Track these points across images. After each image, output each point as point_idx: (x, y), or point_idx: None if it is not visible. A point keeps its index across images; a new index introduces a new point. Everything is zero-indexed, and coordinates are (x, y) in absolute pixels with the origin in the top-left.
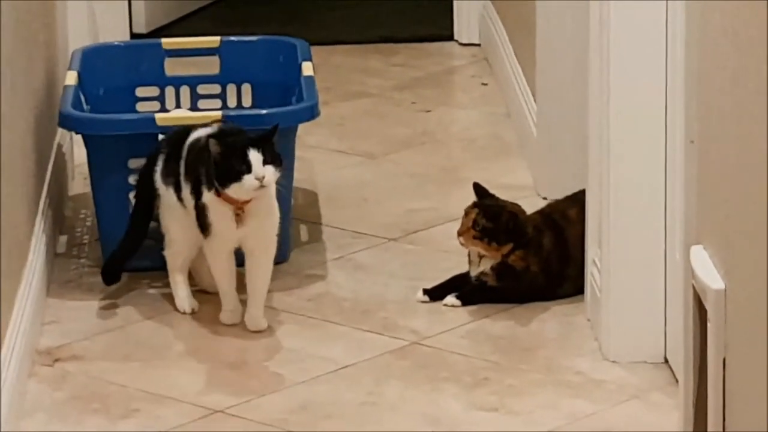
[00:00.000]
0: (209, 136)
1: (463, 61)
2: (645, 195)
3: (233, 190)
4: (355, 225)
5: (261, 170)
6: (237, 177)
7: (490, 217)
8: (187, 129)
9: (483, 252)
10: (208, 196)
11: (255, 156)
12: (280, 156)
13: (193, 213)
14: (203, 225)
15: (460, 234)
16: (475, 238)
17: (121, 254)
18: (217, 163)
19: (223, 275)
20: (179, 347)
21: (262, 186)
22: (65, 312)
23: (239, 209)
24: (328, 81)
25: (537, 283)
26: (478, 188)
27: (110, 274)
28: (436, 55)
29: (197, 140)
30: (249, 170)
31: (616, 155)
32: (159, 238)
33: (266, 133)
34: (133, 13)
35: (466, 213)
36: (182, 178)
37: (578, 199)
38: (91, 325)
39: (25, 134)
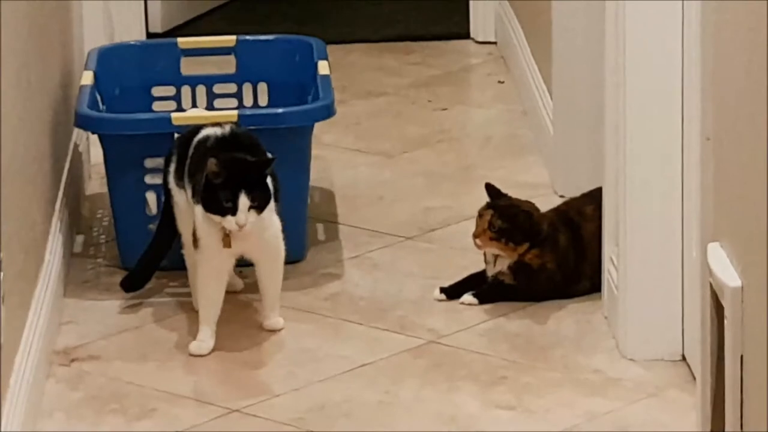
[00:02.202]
0: (211, 154)
1: (480, 59)
2: (661, 192)
3: (210, 221)
4: (372, 224)
5: (243, 218)
6: (220, 212)
7: (506, 218)
8: (199, 128)
9: (500, 252)
10: (198, 209)
11: (243, 201)
12: (269, 192)
13: None
14: (193, 236)
15: (476, 236)
16: (491, 239)
17: (147, 264)
18: (207, 187)
19: (205, 297)
20: None
21: (240, 231)
22: (82, 312)
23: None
24: (344, 80)
25: (554, 281)
26: (490, 188)
27: (132, 283)
28: (452, 54)
29: (204, 140)
30: (233, 212)
31: (632, 153)
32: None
33: (262, 164)
34: (149, 12)
35: (480, 215)
36: (185, 178)
37: (594, 197)
38: (108, 325)
39: (41, 134)
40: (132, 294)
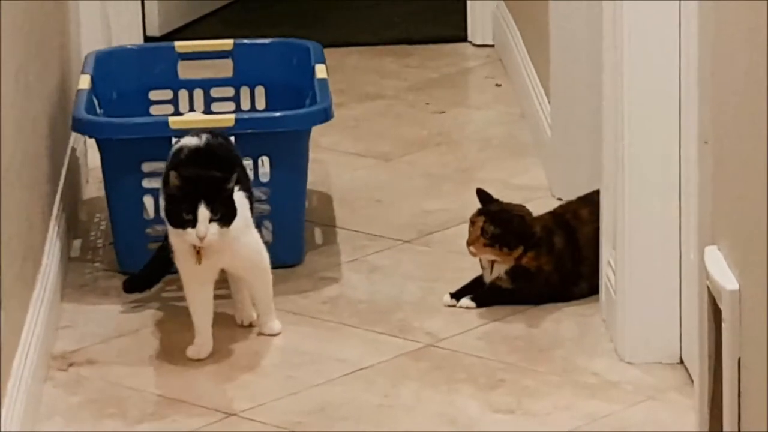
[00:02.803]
0: (180, 166)
1: (477, 62)
2: (659, 196)
3: (177, 233)
4: (370, 227)
5: (203, 230)
6: (181, 225)
7: (498, 223)
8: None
9: (495, 258)
10: (170, 227)
11: (203, 213)
12: (234, 206)
13: None
14: (169, 247)
15: (470, 244)
16: (485, 245)
17: (153, 269)
18: (168, 200)
19: (193, 304)
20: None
21: (202, 244)
22: (80, 316)
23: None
24: (342, 83)
25: (551, 283)
26: (482, 194)
27: (134, 285)
28: (450, 57)
29: (179, 151)
30: (193, 224)
31: (630, 156)
32: None
33: (222, 179)
34: (147, 16)
35: (473, 222)
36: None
37: (591, 200)
38: (106, 329)
39: (39, 138)
40: (129, 297)
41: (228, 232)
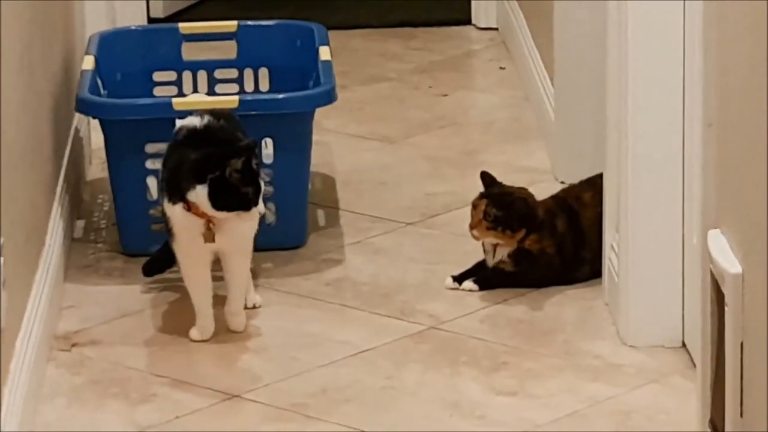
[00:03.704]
0: (228, 155)
1: (481, 45)
2: (663, 179)
3: (221, 214)
4: (374, 209)
5: (262, 207)
6: (243, 206)
7: (500, 206)
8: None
9: (498, 241)
10: (174, 209)
11: (263, 188)
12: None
13: None
14: (168, 231)
15: (472, 227)
16: (488, 229)
17: (170, 250)
18: (224, 185)
19: (194, 286)
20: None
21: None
22: (83, 297)
23: (210, 222)
24: (346, 65)
25: (553, 265)
26: (485, 177)
27: (152, 268)
28: (454, 39)
29: (179, 130)
30: (247, 207)
31: (634, 139)
32: None
33: (250, 148)
34: None
35: (475, 205)
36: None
37: (594, 183)
38: (109, 309)
39: (42, 119)
40: (131, 278)
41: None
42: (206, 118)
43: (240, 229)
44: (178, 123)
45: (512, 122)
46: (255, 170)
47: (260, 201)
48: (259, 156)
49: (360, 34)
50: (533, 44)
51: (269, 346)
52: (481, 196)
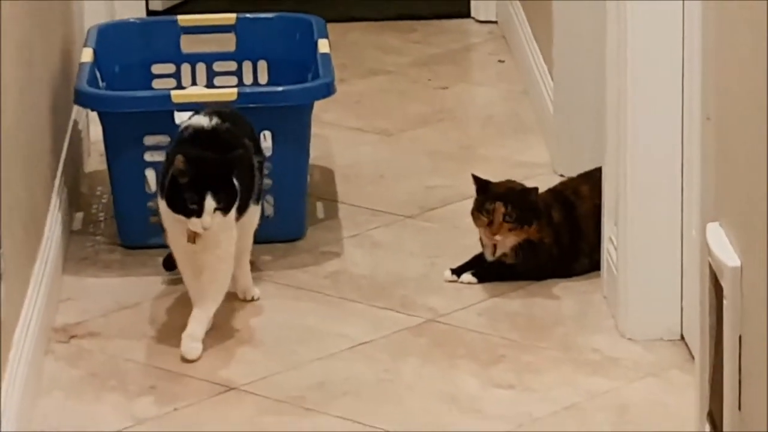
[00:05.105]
0: (179, 151)
1: (480, 38)
2: (662, 172)
3: (176, 218)
4: (372, 202)
5: (208, 221)
6: (185, 213)
7: (516, 204)
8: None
9: (518, 238)
10: (162, 204)
11: (209, 203)
12: (236, 192)
13: None
14: (161, 225)
15: (494, 233)
16: (511, 230)
17: None
18: (173, 185)
19: (187, 281)
20: None
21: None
22: (81, 289)
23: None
24: (344, 58)
25: (552, 256)
26: (478, 180)
27: (173, 262)
28: (453, 33)
29: (185, 128)
30: (198, 214)
31: (633, 133)
32: None
33: (230, 162)
34: None
35: (489, 210)
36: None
37: (591, 177)
38: (108, 302)
39: (41, 111)
40: (130, 270)
41: (227, 218)
42: (214, 120)
43: (213, 235)
44: (185, 120)
45: (511, 115)
46: (224, 180)
47: (256, 205)
48: (245, 168)
49: (359, 27)
50: (532, 38)
51: (267, 339)
52: (493, 199)
